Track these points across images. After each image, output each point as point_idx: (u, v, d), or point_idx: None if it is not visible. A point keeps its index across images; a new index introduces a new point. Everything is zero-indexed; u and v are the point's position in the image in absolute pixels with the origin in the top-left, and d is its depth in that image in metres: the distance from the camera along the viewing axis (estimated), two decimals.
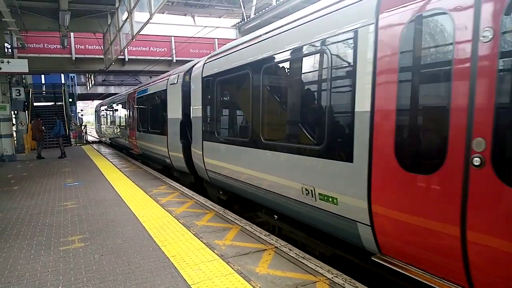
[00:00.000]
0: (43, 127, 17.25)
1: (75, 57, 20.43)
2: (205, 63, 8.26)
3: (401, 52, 3.38)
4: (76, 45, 20.36)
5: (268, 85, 5.79)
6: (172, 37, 21.72)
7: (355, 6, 3.98)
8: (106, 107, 25.49)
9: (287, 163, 5.08)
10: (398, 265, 3.58)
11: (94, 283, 3.98)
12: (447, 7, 2.98)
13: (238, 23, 20.99)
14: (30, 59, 16.03)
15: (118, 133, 20.43)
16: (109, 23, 15.58)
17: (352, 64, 3.95)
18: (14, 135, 19.23)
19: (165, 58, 21.16)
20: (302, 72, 5.03)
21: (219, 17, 20.49)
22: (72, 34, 19.48)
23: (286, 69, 5.55)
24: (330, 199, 4.29)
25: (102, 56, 18.74)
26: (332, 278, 3.91)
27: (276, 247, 4.83)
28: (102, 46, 18.83)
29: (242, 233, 5.49)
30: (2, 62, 14.26)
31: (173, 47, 21.52)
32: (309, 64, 4.87)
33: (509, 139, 2.66)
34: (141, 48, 21.15)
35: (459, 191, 2.90)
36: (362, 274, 4.55)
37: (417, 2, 3.26)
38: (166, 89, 10.82)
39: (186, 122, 9.31)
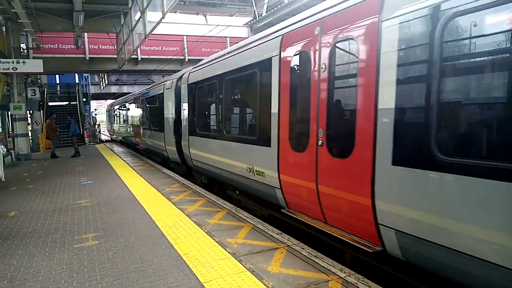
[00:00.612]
0: (56, 126, 17.48)
1: (89, 57, 20.70)
2: (190, 73, 10.16)
3: (291, 73, 5.34)
4: (89, 45, 20.63)
5: (226, 93, 7.77)
6: (184, 36, 21.85)
7: (271, 42, 5.95)
8: (115, 107, 28.13)
9: (239, 150, 7.03)
10: (295, 213, 5.46)
11: (108, 280, 4.01)
12: (307, 50, 4.98)
13: (250, 21, 20.97)
14: (45, 59, 16.30)
15: (126, 131, 22.45)
16: (122, 23, 15.74)
17: (270, 81, 5.79)
18: (29, 134, 19.55)
19: (177, 57, 21.26)
20: (244, 84, 7.23)
21: (231, 16, 20.53)
22: (85, 34, 19.73)
23: (235, 82, 7.53)
24: (261, 173, 6.16)
25: (115, 56, 18.95)
26: (345, 277, 3.88)
27: (288, 246, 4.81)
28: (115, 46, 19.03)
29: (254, 231, 5.48)
30: (18, 63, 14.50)
31: (185, 46, 21.62)
32: (247, 79, 6.87)
33: (334, 130, 4.54)
34: (154, 47, 21.31)
35: (314, 161, 4.74)
36: (372, 272, 4.51)
37: (295, 46, 5.26)
38: (163, 93, 12.62)
39: (178, 120, 11.07)
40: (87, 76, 36.22)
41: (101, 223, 6.16)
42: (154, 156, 15.52)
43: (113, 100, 33.61)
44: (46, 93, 25.19)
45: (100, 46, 20.77)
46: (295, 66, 5.27)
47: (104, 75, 34.37)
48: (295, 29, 5.37)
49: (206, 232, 5.47)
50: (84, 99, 30.69)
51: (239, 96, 7.87)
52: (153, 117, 14.82)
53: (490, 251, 2.81)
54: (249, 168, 6.49)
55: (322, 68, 4.60)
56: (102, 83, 36.28)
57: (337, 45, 4.44)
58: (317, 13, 4.95)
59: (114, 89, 38.27)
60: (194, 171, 10.60)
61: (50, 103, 26.44)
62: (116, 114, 27.21)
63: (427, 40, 3.25)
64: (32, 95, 18.10)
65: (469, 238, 2.92)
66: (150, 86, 17.18)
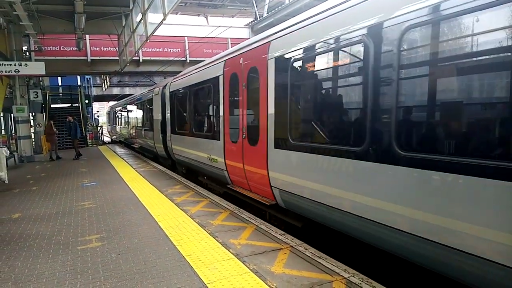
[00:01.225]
0: (55, 129, 17.22)
1: (91, 59, 20.76)
2: (171, 82, 12.52)
3: (229, 87, 7.48)
4: (91, 47, 20.69)
5: (193, 100, 10.15)
6: (186, 38, 21.88)
7: (219, 64, 8.11)
8: (114, 110, 30.89)
9: (202, 144, 9.24)
10: (236, 187, 7.55)
11: (112, 282, 4.02)
12: (236, 72, 7.20)
13: (251, 22, 21.00)
14: (47, 61, 16.30)
15: (124, 131, 25.11)
16: (123, 24, 15.79)
17: (218, 93, 7.99)
18: (32, 136, 19.61)
19: (179, 58, 21.30)
20: (204, 94, 9.42)
21: (232, 17, 20.57)
22: (87, 36, 19.77)
23: (198, 92, 9.85)
24: (215, 160, 8.29)
25: (117, 58, 18.98)
26: (348, 277, 3.87)
27: (292, 246, 4.80)
28: (117, 48, 19.07)
29: (257, 232, 5.48)
30: (20, 65, 14.53)
31: (187, 47, 21.65)
32: (206, 90, 9.10)
33: (250, 128, 6.60)
34: (155, 49, 21.35)
35: (241, 149, 6.85)
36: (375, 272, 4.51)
37: (230, 69, 7.44)
38: (152, 98, 14.89)
39: (164, 122, 13.17)
40: (89, 78, 36.32)
41: (105, 225, 6.17)
42: (147, 153, 17.77)
43: (112, 104, 35.70)
44: (48, 95, 25.27)
45: (102, 48, 20.83)
46: (231, 83, 7.50)
47: (106, 77, 34.45)
48: (230, 57, 7.63)
49: (209, 233, 5.47)
50: (86, 101, 30.76)
51: (201, 103, 9.96)
52: (145, 119, 17.18)
53: (325, 195, 4.74)
54: (209, 157, 8.69)
55: (243, 85, 6.90)
56: (104, 85, 36.36)
57: (250, 70, 6.67)
58: (241, 48, 7.29)
59: (116, 90, 38.37)
60: (176, 164, 12.87)
61: (52, 105, 26.53)
62: (115, 116, 29.55)
63: (287, 71, 5.44)
64: (34, 98, 18.18)
65: (309, 189, 5.04)
66: (142, 92, 20.15)
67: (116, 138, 30.14)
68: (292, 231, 5.94)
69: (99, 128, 33.26)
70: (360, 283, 3.73)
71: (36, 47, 18.59)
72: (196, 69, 10.17)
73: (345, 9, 4.38)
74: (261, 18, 19.44)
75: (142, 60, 21.30)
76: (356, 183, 4.14)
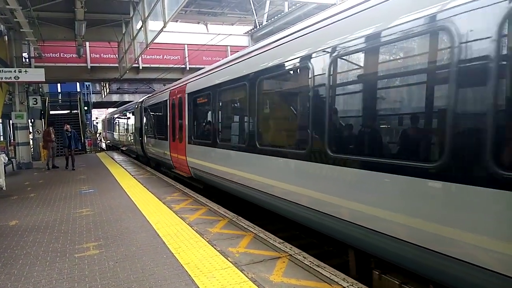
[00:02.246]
0: (53, 136, 16.17)
1: (90, 66, 20.81)
2: (144, 100, 17.24)
3: (171, 108, 12.04)
4: (91, 54, 20.74)
5: (154, 114, 15.13)
6: (186, 45, 21.94)
7: (167, 92, 12.91)
8: (107, 119, 35.65)
9: (160, 143, 13.55)
10: (175, 171, 12.09)
11: None
12: (173, 99, 12.12)
13: (251, 30, 21.08)
14: (47, 68, 16.32)
15: (114, 137, 29.29)
16: (123, 32, 15.85)
17: (167, 110, 12.53)
18: (31, 143, 19.58)
19: (179, 66, 21.35)
20: (159, 111, 13.92)
21: (232, 25, 20.62)
22: (87, 43, 19.82)
23: (156, 109, 14.45)
24: (167, 154, 12.52)
25: (117, 65, 19.02)
26: (347, 286, 3.85)
27: (290, 255, 4.78)
28: (116, 55, 19.12)
29: (255, 240, 5.45)
30: (20, 72, 14.55)
31: (186, 55, 21.72)
32: (161, 108, 13.57)
33: (176, 133, 11.52)
34: (155, 56, 21.42)
35: (184, 146, 10.49)
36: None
37: (171, 97, 12.36)
38: (134, 111, 19.33)
39: (141, 128, 17.29)
40: (89, 85, 36.37)
41: (102, 232, 6.14)
42: (131, 153, 22.18)
43: (106, 114, 40.73)
44: (47, 102, 25.26)
45: (102, 55, 20.89)
46: (171, 105, 12.19)
47: (105, 84, 34.50)
48: (172, 89, 12.35)
49: (207, 241, 5.44)
50: (86, 108, 30.78)
51: (159, 116, 14.19)
52: (129, 126, 21.58)
53: (210, 169, 8.62)
54: (164, 152, 13.02)
55: (174, 108, 11.72)
56: (104, 92, 36.42)
57: (179, 99, 11.24)
58: (176, 85, 12.19)
59: (115, 97, 38.42)
60: (150, 160, 16.66)
61: (51, 112, 26.50)
62: (108, 124, 34.25)
63: (192, 101, 10.06)
64: (33, 104, 18.18)
65: (204, 166, 8.96)
66: (126, 106, 25.44)
67: (109, 143, 33.66)
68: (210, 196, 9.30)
69: (98, 135, 33.24)
70: None
71: (36, 53, 18.64)
72: (157, 93, 15.50)
73: (208, 74, 9.19)
74: (260, 26, 19.52)
75: (142, 67, 21.35)
76: (218, 160, 8.20)
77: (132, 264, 4.68)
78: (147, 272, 4.41)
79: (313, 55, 4.84)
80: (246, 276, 4.16)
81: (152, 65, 21.57)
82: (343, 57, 4.44)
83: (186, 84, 10.67)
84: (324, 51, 4.64)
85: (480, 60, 2.89)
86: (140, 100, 17.87)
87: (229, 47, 21.66)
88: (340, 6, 4.76)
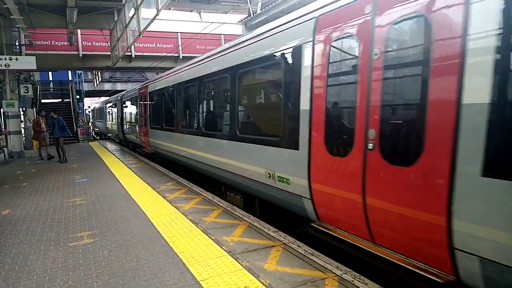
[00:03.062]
0: (43, 126, 15.37)
1: (82, 54, 20.52)
2: (123, 94, 21.37)
3: (141, 102, 15.80)
4: (83, 42, 20.43)
5: (129, 107, 18.58)
6: (179, 33, 21.73)
7: (137, 90, 16.77)
8: (95, 109, 38.95)
9: (133, 128, 17.07)
10: (145, 150, 16.49)
11: (104, 278, 4.00)
12: (142, 97, 15.91)
13: (245, 18, 20.93)
14: (38, 56, 16.09)
15: (101, 125, 32.35)
16: (115, 19, 15.62)
17: (137, 104, 16.56)
18: (23, 132, 19.38)
19: (172, 54, 21.16)
20: (134, 104, 17.36)
21: (225, 13, 20.42)
22: (79, 31, 19.53)
23: (132, 103, 17.80)
24: (138, 136, 16.27)
25: (109, 53, 18.80)
26: (341, 274, 3.89)
27: (285, 244, 4.82)
28: (109, 43, 18.88)
29: (250, 229, 5.48)
30: (11, 60, 14.35)
31: (180, 43, 21.52)
32: (135, 102, 17.12)
33: (144, 122, 15.20)
34: (148, 44, 21.16)
35: (147, 131, 14.41)
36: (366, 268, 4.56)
37: (140, 95, 16.08)
38: (116, 103, 23.00)
39: (122, 117, 20.84)
40: (81, 73, 35.97)
41: (96, 221, 6.13)
42: (115, 138, 26.17)
43: (96, 104, 42.51)
44: (39, 90, 24.96)
45: (94, 43, 20.59)
46: (139, 100, 15.70)
47: (97, 72, 34.14)
48: (140, 88, 15.77)
49: (202, 230, 5.46)
50: (78, 97, 30.47)
51: (131, 108, 18.22)
52: (113, 116, 24.80)
53: (163, 145, 12.47)
54: (136, 136, 16.23)
55: (141, 102, 15.48)
56: (96, 80, 36.05)
57: (144, 96, 14.94)
58: (143, 85, 15.85)
59: (107, 86, 38.08)
60: (129, 143, 20.03)
61: (43, 101, 26.25)
62: (96, 114, 37.36)
63: (152, 100, 13.92)
64: (25, 92, 17.91)
65: (160, 144, 12.89)
66: (109, 99, 28.53)
67: (98, 130, 36.27)
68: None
69: (90, 123, 33.01)
70: (353, 281, 3.75)
71: (26, 41, 18.34)
72: (131, 90, 19.32)
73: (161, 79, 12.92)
74: (254, 14, 19.37)
75: (135, 55, 21.09)
76: (166, 139, 11.77)
77: (127, 253, 4.69)
78: (142, 261, 4.42)
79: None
80: (241, 265, 4.19)
81: (145, 54, 21.32)
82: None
83: (148, 85, 14.54)
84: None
85: None
86: (120, 95, 22.28)
87: (223, 35, 21.48)
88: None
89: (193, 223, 5.84)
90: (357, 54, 3.94)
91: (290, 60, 5.13)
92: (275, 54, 5.51)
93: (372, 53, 3.72)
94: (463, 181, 2.91)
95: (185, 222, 5.90)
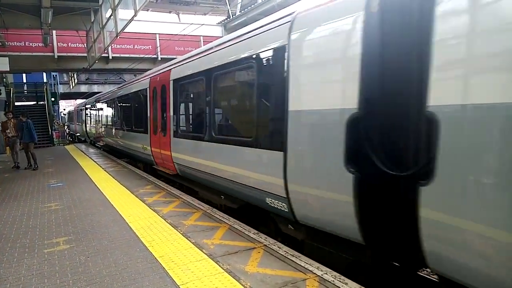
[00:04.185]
0: (8, 131, 13.50)
1: (58, 55, 20.08)
2: (86, 102, 26.12)
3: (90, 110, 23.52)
4: (58, 43, 19.99)
5: (91, 111, 22.54)
6: (157, 35, 21.51)
7: (84, 102, 28.59)
8: (68, 112, 42.45)
9: (91, 128, 22.93)
10: (97, 143, 22.84)
11: (81, 285, 3.90)
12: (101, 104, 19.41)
13: (224, 20, 20.90)
14: (11, 57, 15.66)
15: (72, 127, 36.17)
16: (92, 20, 15.36)
17: (88, 112, 24.45)
18: None
19: (150, 56, 20.94)
20: (96, 108, 20.79)
21: (204, 15, 20.38)
22: (54, 32, 19.10)
23: (93, 108, 21.59)
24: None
25: (85, 54, 18.45)
26: (321, 275, 3.91)
27: (266, 245, 4.80)
28: (85, 44, 18.53)
29: (230, 231, 5.45)
30: None
31: (158, 44, 21.31)
32: (97, 108, 20.41)
33: (92, 120, 22.95)
34: (125, 46, 20.87)
35: (92, 127, 23.42)
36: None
37: (99, 102, 19.70)
38: (81, 108, 27.67)
39: (85, 120, 25.18)
40: (56, 75, 35.18)
41: (73, 227, 5.98)
42: (82, 138, 29.46)
43: (69, 109, 45.19)
44: (12, 92, 24.30)
45: (69, 44, 20.17)
46: (86, 109, 24.67)
47: (73, 74, 33.47)
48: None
49: (182, 234, 5.40)
50: (53, 99, 29.74)
51: (87, 114, 23.46)
52: (81, 118, 27.84)
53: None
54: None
55: (86, 110, 24.62)
56: (72, 82, 35.32)
57: (90, 106, 23.08)
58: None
59: (84, 88, 37.39)
60: (93, 142, 23.55)
61: (16, 103, 25.51)
62: (69, 117, 40.84)
63: (93, 109, 21.99)
64: None
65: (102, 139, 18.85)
66: (80, 104, 32.10)
67: (69, 131, 37.90)
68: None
69: (66, 127, 32.33)
70: (333, 281, 3.77)
71: None
72: (85, 101, 24.87)
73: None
74: (234, 16, 19.37)
75: (112, 57, 20.77)
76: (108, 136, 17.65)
77: (104, 259, 4.59)
78: (120, 266, 4.33)
79: None
80: (222, 267, 4.16)
81: (122, 55, 21.02)
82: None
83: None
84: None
85: None
86: (83, 102, 28.21)
87: (202, 37, 21.38)
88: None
89: (172, 226, 5.77)
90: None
91: None
92: None
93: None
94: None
95: (164, 226, 5.82)
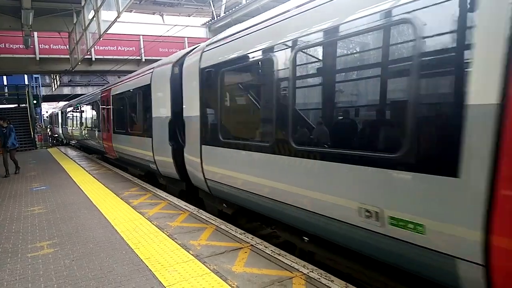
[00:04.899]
0: None
1: (39, 57, 19.72)
2: (62, 106, 30.21)
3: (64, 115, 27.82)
4: (40, 45, 19.63)
5: (63, 115, 28.00)
6: (141, 36, 21.32)
7: (60, 106, 34.64)
8: (49, 116, 44.62)
9: (65, 129, 27.10)
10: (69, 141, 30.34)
11: None
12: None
13: (208, 22, 20.87)
14: None
15: (50, 128, 37.22)
16: (74, 22, 15.14)
17: (63, 116, 28.80)
18: None
19: (134, 57, 20.76)
20: (67, 113, 26.05)
21: (189, 16, 20.33)
22: (35, 33, 18.77)
23: (63, 114, 28.39)
24: (67, 134, 26.40)
25: (68, 56, 18.19)
26: (307, 273, 3.95)
27: (252, 245, 4.83)
28: (67, 46, 18.27)
29: (217, 232, 5.46)
30: None
31: (142, 46, 21.15)
32: (66, 112, 26.43)
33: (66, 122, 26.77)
34: (109, 47, 20.63)
35: (66, 128, 27.29)
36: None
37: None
38: (58, 112, 31.25)
39: (61, 123, 29.67)
40: (38, 77, 34.60)
41: (57, 230, 5.91)
42: (58, 137, 33.33)
43: (50, 112, 46.71)
44: None
45: (51, 45, 19.83)
46: (62, 114, 28.89)
47: (56, 76, 32.95)
48: (61, 107, 29.58)
49: (168, 235, 5.38)
50: (35, 101, 29.24)
51: (63, 117, 27.42)
52: (58, 121, 31.46)
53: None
54: (65, 133, 25.18)
55: (60, 115, 30.08)
56: (54, 85, 34.77)
57: (61, 112, 29.36)
58: (65, 104, 27.56)
59: (66, 90, 36.78)
60: (68, 142, 28.03)
61: None
62: (50, 121, 42.51)
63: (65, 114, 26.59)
64: None
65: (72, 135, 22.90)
66: (59, 107, 33.47)
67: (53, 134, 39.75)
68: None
69: (48, 129, 31.82)
70: (319, 278, 3.81)
71: None
72: (62, 106, 29.28)
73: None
74: (218, 18, 19.36)
75: (95, 58, 20.50)
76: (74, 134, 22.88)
77: (90, 262, 4.55)
78: (106, 269, 4.30)
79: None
80: (208, 268, 4.17)
81: (105, 57, 20.76)
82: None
83: (58, 108, 21.76)
84: None
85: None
86: (61, 107, 31.50)
87: (186, 38, 21.30)
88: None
89: (158, 228, 5.75)
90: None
91: None
92: None
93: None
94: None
95: (150, 228, 5.79)
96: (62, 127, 29.03)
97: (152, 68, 9.06)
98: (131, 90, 10.66)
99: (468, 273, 2.75)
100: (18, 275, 4.25)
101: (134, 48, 21.19)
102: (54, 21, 16.29)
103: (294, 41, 4.31)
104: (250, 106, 5.76)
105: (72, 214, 6.87)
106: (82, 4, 12.49)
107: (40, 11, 14.75)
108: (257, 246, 4.79)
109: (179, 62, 7.66)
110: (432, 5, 2.88)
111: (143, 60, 21.07)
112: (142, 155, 9.62)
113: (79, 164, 14.41)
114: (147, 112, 9.19)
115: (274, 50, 4.59)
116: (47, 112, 48.69)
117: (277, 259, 4.36)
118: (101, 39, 11.34)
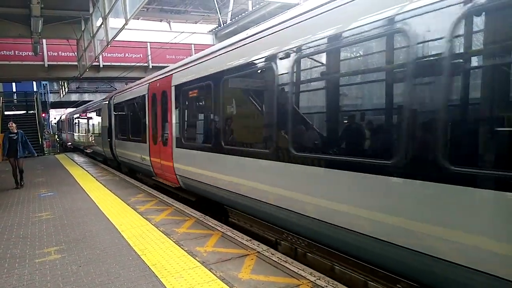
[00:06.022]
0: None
1: (48, 64, 19.95)
2: (61, 116, 39.11)
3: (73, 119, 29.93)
4: (48, 52, 19.88)
5: (62, 124, 36.72)
6: (148, 43, 21.50)
7: (61, 116, 39.28)
8: (59, 121, 44.88)
9: (60, 135, 37.56)
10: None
11: None
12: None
13: (215, 28, 20.99)
14: (0, 66, 15.53)
15: (63, 136, 37.55)
16: (83, 29, 15.31)
17: (65, 124, 34.71)
18: None
19: (141, 64, 20.92)
20: (64, 123, 34.92)
21: (195, 23, 20.47)
22: (44, 40, 19.00)
23: (63, 123, 35.91)
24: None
25: (76, 63, 18.37)
26: (314, 280, 3.92)
27: (258, 252, 4.81)
28: (75, 53, 18.46)
29: (223, 239, 5.45)
30: None
31: (149, 53, 21.31)
32: (64, 122, 35.42)
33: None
34: (116, 54, 20.83)
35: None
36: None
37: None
38: (61, 121, 39.01)
39: (61, 129, 38.37)
40: (46, 84, 34.96)
41: (64, 236, 5.93)
42: (63, 142, 36.21)
43: (57, 119, 48.49)
44: (1, 102, 24.10)
45: (60, 53, 20.08)
46: (66, 121, 33.43)
47: (64, 83, 33.26)
48: (63, 116, 36.14)
49: (174, 242, 5.38)
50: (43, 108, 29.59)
51: (65, 124, 32.83)
52: (64, 128, 33.98)
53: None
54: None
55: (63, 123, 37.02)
56: (62, 91, 35.09)
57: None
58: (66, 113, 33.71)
59: (74, 97, 37.08)
60: (65, 145, 33.85)
61: (6, 112, 25.30)
62: (59, 126, 43.64)
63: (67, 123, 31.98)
64: None
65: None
66: (63, 117, 37.35)
67: (60, 140, 40.92)
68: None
69: (56, 136, 32.11)
70: (326, 286, 3.79)
71: None
72: (61, 117, 36.98)
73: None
74: (225, 24, 19.48)
75: (103, 65, 20.70)
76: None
77: (97, 268, 4.56)
78: (113, 275, 4.31)
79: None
80: (215, 275, 4.16)
81: (113, 64, 20.96)
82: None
83: (65, 115, 25.58)
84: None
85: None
86: (64, 115, 34.50)
87: (193, 45, 21.43)
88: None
89: (165, 234, 5.75)
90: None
91: None
92: None
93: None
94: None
95: (156, 234, 5.80)
96: (67, 134, 30.64)
97: None
98: (130, 100, 13.11)
99: None
100: (25, 281, 4.27)
101: (141, 55, 21.37)
102: (63, 29, 16.48)
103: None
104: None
105: (79, 220, 6.90)
106: (91, 11, 12.63)
107: (49, 19, 14.92)
108: (264, 253, 4.77)
109: None
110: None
111: (150, 66, 21.23)
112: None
113: (86, 170, 14.49)
114: (144, 118, 11.08)
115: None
116: (55, 118, 49.12)
117: (284, 266, 4.34)
118: (109, 46, 11.44)
